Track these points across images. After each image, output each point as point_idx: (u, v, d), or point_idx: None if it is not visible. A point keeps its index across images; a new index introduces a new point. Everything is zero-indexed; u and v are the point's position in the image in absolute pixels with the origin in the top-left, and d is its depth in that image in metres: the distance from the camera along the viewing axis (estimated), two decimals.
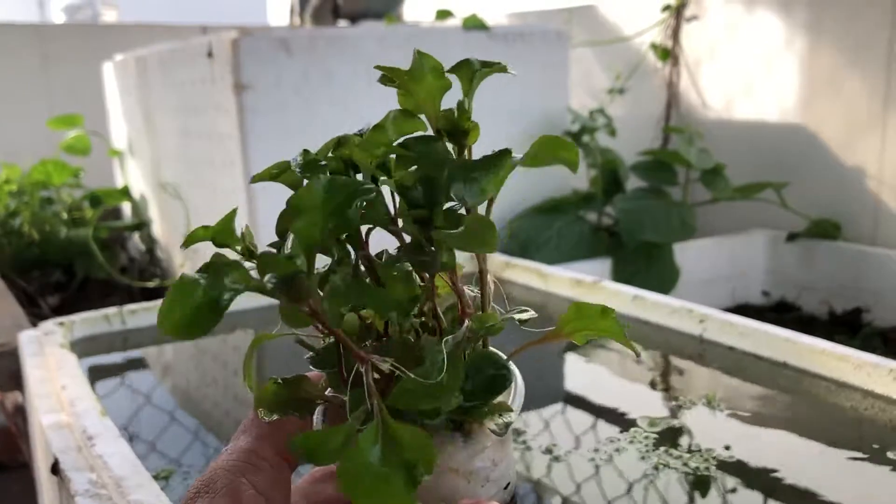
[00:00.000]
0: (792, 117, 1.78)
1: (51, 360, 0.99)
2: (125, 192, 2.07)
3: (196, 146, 1.64)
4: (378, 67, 0.34)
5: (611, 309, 0.34)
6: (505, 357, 0.34)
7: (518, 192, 1.68)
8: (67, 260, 1.92)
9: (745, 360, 1.01)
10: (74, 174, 2.00)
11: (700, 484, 0.75)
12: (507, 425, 0.32)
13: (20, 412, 1.33)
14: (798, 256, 1.71)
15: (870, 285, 1.60)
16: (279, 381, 0.35)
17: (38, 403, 0.88)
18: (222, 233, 0.36)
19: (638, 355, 0.35)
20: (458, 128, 0.34)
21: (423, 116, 0.34)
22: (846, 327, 1.60)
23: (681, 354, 1.08)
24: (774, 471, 0.79)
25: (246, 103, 1.43)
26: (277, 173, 0.35)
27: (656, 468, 0.76)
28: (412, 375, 0.29)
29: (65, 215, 1.97)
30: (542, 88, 1.74)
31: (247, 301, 1.24)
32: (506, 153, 0.34)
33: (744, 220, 1.81)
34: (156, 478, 0.75)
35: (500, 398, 0.33)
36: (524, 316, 0.35)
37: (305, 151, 0.34)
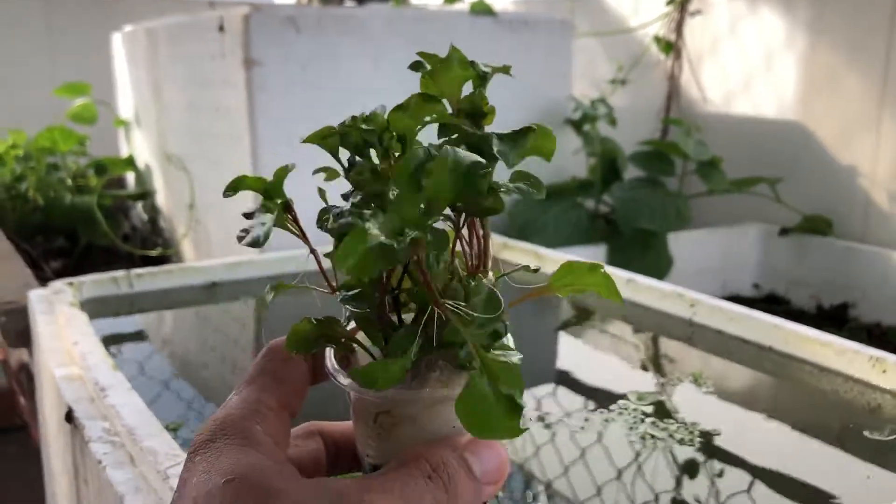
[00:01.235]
0: (789, 114, 1.82)
1: (61, 317, 1.02)
2: (130, 162, 2.10)
3: (203, 119, 1.66)
4: (420, 54, 0.38)
5: (599, 264, 0.36)
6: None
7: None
8: (71, 226, 1.94)
9: (732, 343, 1.05)
10: (80, 142, 2.03)
11: (683, 453, 0.78)
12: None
13: (24, 370, 1.36)
14: (789, 251, 1.75)
15: (858, 281, 1.64)
16: (313, 320, 0.37)
17: (50, 357, 0.91)
18: (275, 187, 0.39)
19: (622, 304, 0.39)
20: (478, 110, 0.38)
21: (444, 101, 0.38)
22: (833, 321, 1.64)
23: (670, 336, 1.12)
24: (756, 444, 0.83)
25: (254, 79, 1.45)
26: (324, 137, 0.38)
27: (643, 438, 0.79)
28: (471, 313, 0.33)
29: (69, 182, 2.00)
30: (545, 76, 1.77)
31: (248, 271, 1.27)
32: (529, 129, 0.38)
33: (738, 214, 1.85)
34: (165, 429, 0.78)
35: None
36: (533, 266, 0.38)
37: (352, 118, 0.38)
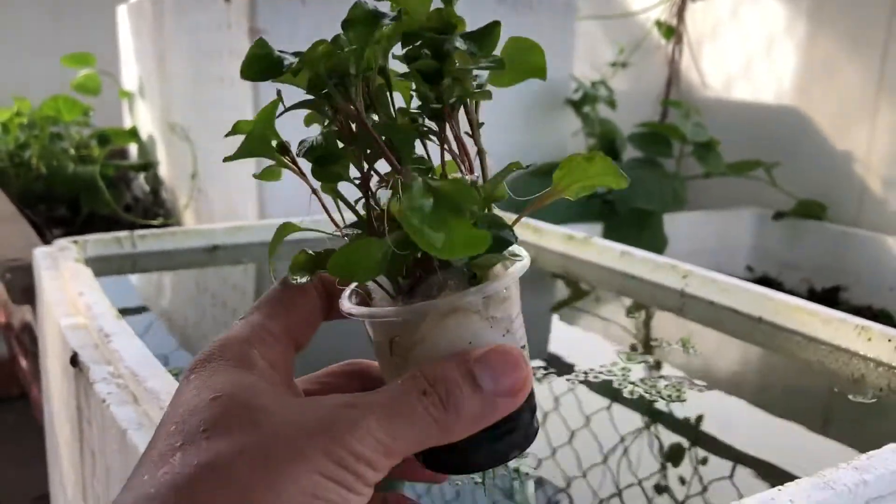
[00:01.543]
0: (787, 100, 1.84)
1: (65, 272, 1.04)
2: (133, 133, 2.11)
3: (207, 90, 1.68)
4: None
5: (597, 153, 0.35)
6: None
7: (513, 156, 1.72)
8: (73, 195, 1.96)
9: (723, 314, 1.07)
10: (84, 112, 2.04)
11: (669, 406, 0.81)
12: (520, 268, 0.35)
13: (27, 330, 1.38)
14: (783, 235, 1.77)
15: (850, 265, 1.67)
16: (309, 251, 0.38)
17: (55, 309, 0.93)
18: (264, 123, 0.39)
19: (626, 183, 0.37)
20: (448, 23, 0.36)
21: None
22: (824, 304, 1.65)
23: (662, 307, 1.14)
24: (740, 405, 0.86)
25: None
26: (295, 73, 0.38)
27: (630, 394, 0.82)
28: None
29: (73, 152, 2.01)
30: (547, 57, 1.78)
31: (249, 235, 1.29)
32: (496, 24, 0.37)
33: (733, 197, 1.87)
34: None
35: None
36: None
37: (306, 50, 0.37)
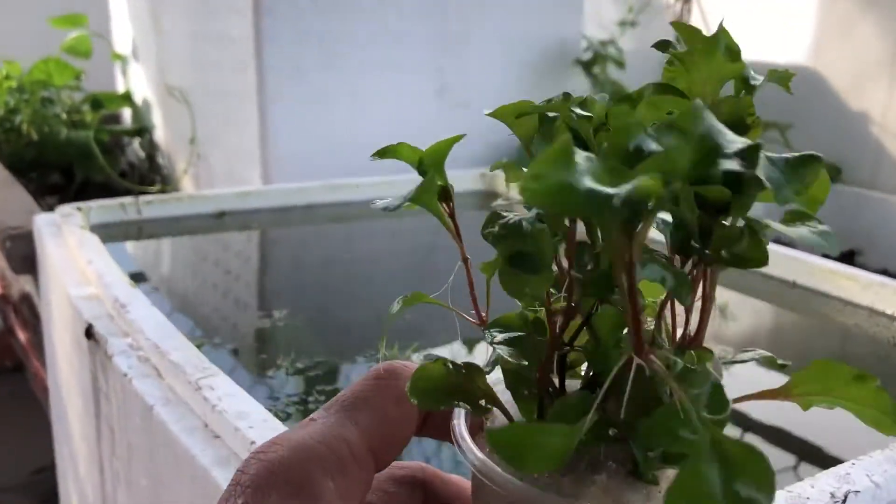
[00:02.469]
0: (802, 60, 1.79)
1: (71, 240, 0.99)
2: (127, 97, 2.05)
3: (206, 49, 1.62)
4: (675, 25, 0.28)
5: (869, 375, 0.26)
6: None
7: None
8: (66, 162, 1.90)
9: (754, 278, 1.03)
10: (76, 76, 1.97)
11: None
12: None
13: (26, 300, 1.34)
14: None
15: (865, 228, 1.64)
16: (448, 364, 0.28)
17: (64, 278, 0.89)
18: (434, 162, 0.30)
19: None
20: (740, 122, 0.27)
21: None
22: None
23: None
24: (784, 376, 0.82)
25: (262, 4, 1.41)
26: (518, 115, 0.28)
27: None
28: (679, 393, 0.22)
29: (65, 117, 1.95)
30: (557, 14, 1.73)
31: (256, 201, 1.24)
32: (814, 158, 0.26)
33: None
34: None
35: None
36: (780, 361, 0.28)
37: (563, 95, 0.28)
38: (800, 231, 0.25)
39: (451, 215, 0.30)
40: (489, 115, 0.29)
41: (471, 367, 0.28)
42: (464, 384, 0.28)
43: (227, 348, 0.84)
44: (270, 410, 0.62)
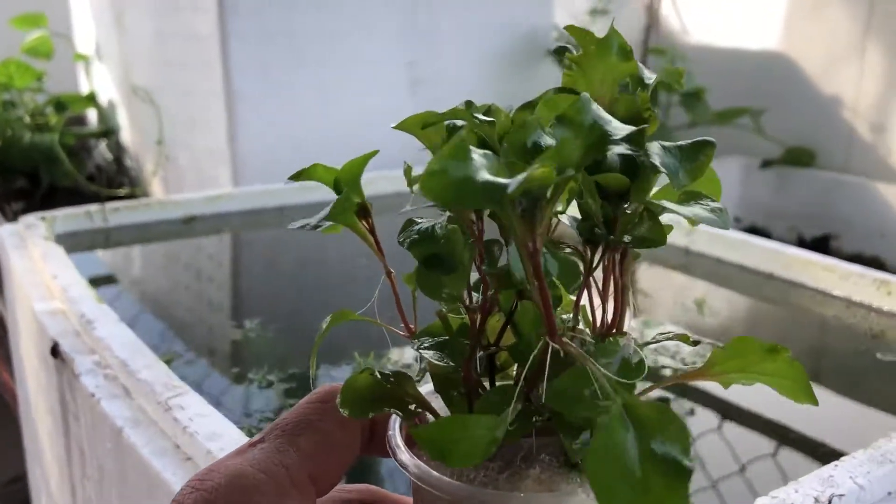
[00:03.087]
0: (773, 44, 1.79)
1: (35, 252, 0.96)
2: (91, 99, 2.00)
3: (171, 48, 1.58)
4: (569, 29, 0.29)
5: (781, 347, 0.26)
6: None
7: None
8: (31, 166, 1.86)
9: (731, 270, 1.03)
10: (38, 77, 1.93)
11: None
12: None
13: None
14: (771, 183, 1.74)
15: (840, 212, 1.64)
16: (376, 373, 0.28)
17: (28, 292, 0.86)
18: (350, 181, 0.30)
19: (815, 403, 0.26)
20: (639, 118, 0.28)
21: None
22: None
23: (667, 265, 1.10)
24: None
25: (227, 2, 1.38)
26: (424, 125, 0.29)
27: (654, 363, 0.78)
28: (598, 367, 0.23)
29: (28, 120, 1.90)
30: (527, 4, 1.71)
31: (226, 205, 1.22)
32: (707, 143, 0.28)
33: (720, 146, 1.83)
34: None
35: None
36: (692, 337, 0.28)
37: (465, 104, 0.29)
38: (694, 210, 0.26)
39: (372, 230, 0.30)
40: (395, 127, 0.29)
41: (399, 376, 0.28)
42: (393, 392, 0.28)
43: (198, 362, 0.82)
44: (243, 428, 0.60)
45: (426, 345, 0.28)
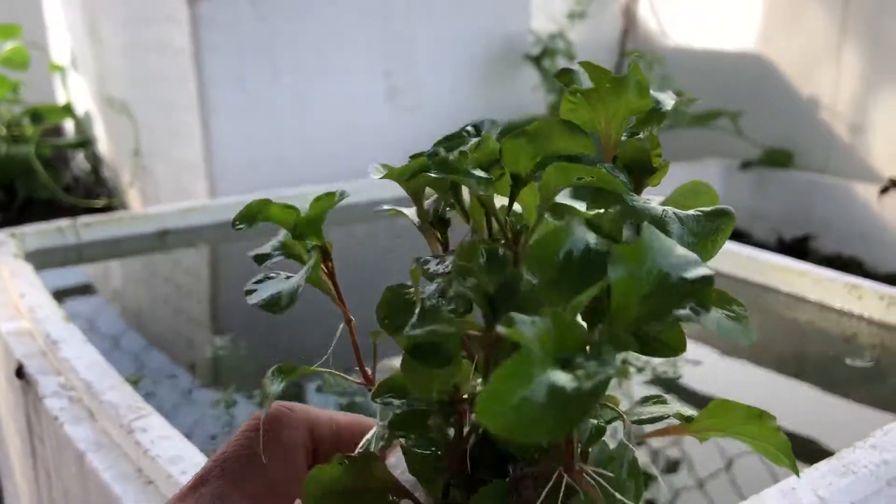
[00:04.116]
0: (750, 46, 1.80)
1: (4, 270, 0.95)
2: (68, 109, 1.99)
3: (146, 60, 1.57)
4: (584, 65, 0.27)
5: (766, 413, 0.25)
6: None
7: (473, 113, 1.66)
8: (7, 179, 1.84)
9: None
10: (13, 88, 1.91)
11: (667, 385, 0.77)
12: None
13: None
14: (751, 185, 1.74)
15: (819, 213, 1.65)
16: (343, 461, 0.26)
17: None
18: (311, 225, 0.28)
19: (796, 473, 0.25)
20: (643, 162, 0.27)
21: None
22: (793, 254, 1.64)
23: None
24: (738, 376, 0.82)
25: (201, 14, 1.37)
26: (410, 176, 0.27)
27: (624, 374, 0.77)
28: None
29: (4, 132, 1.89)
30: (503, 10, 1.71)
31: (200, 217, 1.21)
32: (725, 213, 0.26)
33: (698, 148, 1.84)
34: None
35: None
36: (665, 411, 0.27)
37: (445, 138, 0.27)
38: (716, 316, 0.24)
39: (331, 275, 0.29)
40: (382, 178, 0.28)
41: (367, 458, 0.26)
42: (364, 481, 0.25)
43: (166, 381, 0.82)
44: (206, 451, 0.59)
45: (396, 417, 0.26)
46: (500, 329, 0.18)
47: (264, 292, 0.27)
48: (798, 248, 1.66)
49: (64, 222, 1.10)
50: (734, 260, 1.00)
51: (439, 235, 0.28)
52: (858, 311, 0.87)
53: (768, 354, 0.91)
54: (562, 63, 1.80)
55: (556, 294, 0.20)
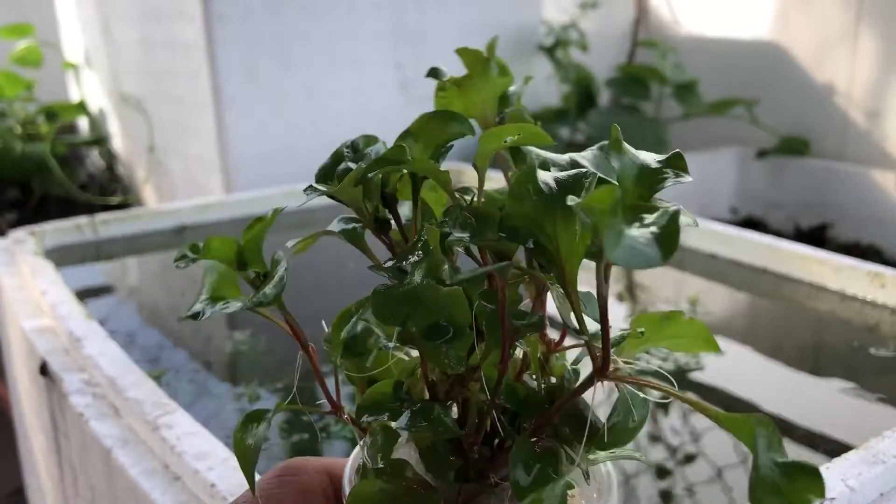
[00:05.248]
0: (764, 33, 1.78)
1: (24, 268, 0.96)
2: (82, 107, 2.00)
3: (159, 56, 1.58)
4: (458, 51, 0.29)
5: (676, 311, 0.27)
6: None
7: None
8: (23, 177, 1.85)
9: (725, 266, 1.02)
10: (27, 87, 1.92)
11: (690, 375, 0.76)
12: None
13: None
14: (767, 173, 1.73)
15: (835, 201, 1.63)
16: (382, 476, 0.26)
17: (17, 309, 0.86)
18: (250, 252, 0.29)
19: (718, 351, 0.29)
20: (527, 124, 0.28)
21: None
22: (811, 242, 1.63)
23: None
24: (761, 366, 0.81)
25: (212, 10, 1.37)
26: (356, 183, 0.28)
27: (647, 364, 0.77)
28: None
29: (19, 130, 1.90)
30: (515, 1, 1.70)
31: (218, 213, 1.21)
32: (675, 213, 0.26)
33: (714, 137, 1.82)
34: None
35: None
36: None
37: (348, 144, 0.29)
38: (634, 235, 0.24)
39: (280, 305, 0.29)
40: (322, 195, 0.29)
41: (398, 463, 0.26)
42: (402, 484, 0.25)
43: (188, 376, 0.82)
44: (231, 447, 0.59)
45: (398, 423, 0.26)
46: (572, 202, 0.21)
47: (192, 309, 0.28)
48: (816, 237, 1.65)
49: (82, 219, 1.10)
50: (753, 249, 1.00)
51: (385, 238, 0.29)
52: (882, 300, 0.87)
53: (790, 345, 0.91)
54: (575, 53, 1.80)
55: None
